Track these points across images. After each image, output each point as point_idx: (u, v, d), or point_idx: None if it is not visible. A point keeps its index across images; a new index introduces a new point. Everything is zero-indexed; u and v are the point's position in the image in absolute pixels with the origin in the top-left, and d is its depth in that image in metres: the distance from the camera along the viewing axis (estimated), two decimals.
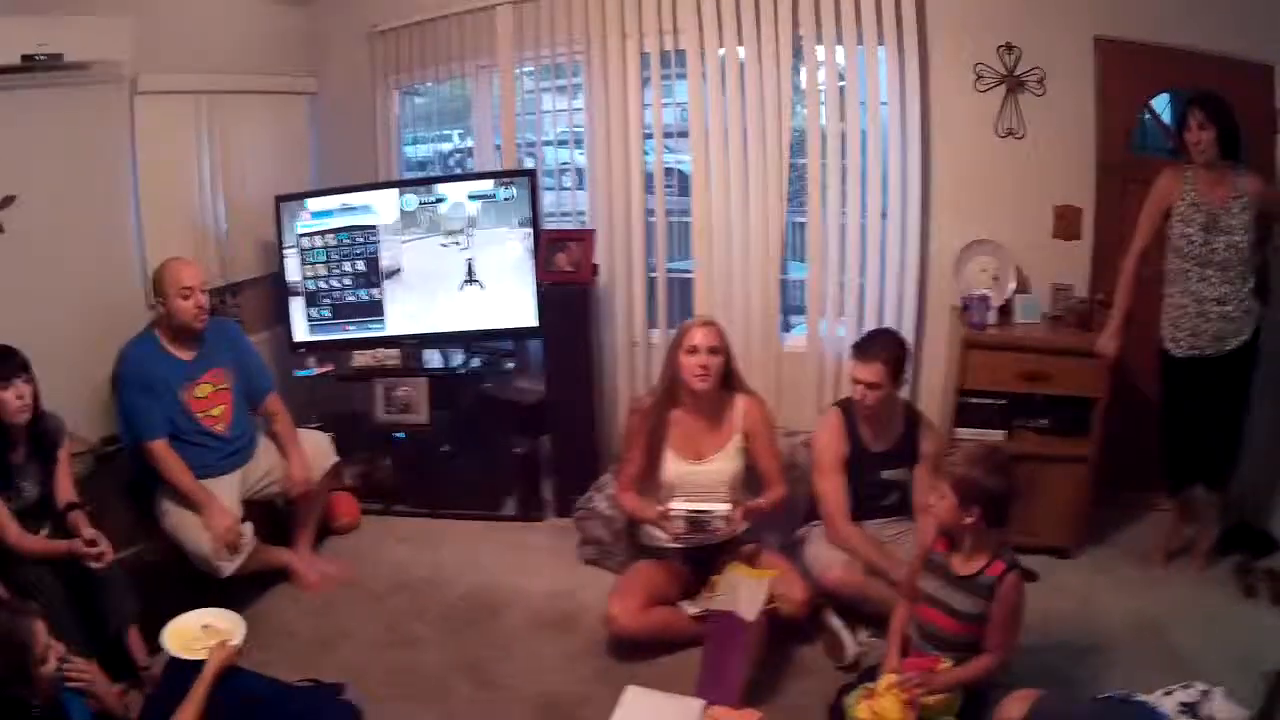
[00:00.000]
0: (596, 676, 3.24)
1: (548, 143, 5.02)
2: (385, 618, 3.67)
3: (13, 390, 2.86)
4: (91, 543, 2.89)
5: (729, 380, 3.47)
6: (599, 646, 3.38)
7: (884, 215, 4.40)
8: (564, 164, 5.13)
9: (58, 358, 3.33)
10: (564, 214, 5.03)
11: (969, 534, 2.66)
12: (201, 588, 3.32)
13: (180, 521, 3.39)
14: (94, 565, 2.88)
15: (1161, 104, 4.38)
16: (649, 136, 4.61)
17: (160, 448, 3.42)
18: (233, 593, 3.42)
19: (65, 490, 3.06)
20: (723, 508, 3.24)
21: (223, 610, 2.98)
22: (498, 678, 3.28)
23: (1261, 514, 4.16)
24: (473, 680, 3.26)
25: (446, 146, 6.01)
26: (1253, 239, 3.53)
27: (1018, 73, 4.27)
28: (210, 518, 3.37)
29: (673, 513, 3.25)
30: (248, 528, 3.52)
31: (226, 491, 3.55)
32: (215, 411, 3.65)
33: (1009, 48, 4.27)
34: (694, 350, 3.34)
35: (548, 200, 4.91)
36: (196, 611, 2.93)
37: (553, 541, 4.27)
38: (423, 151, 5.65)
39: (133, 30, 3.74)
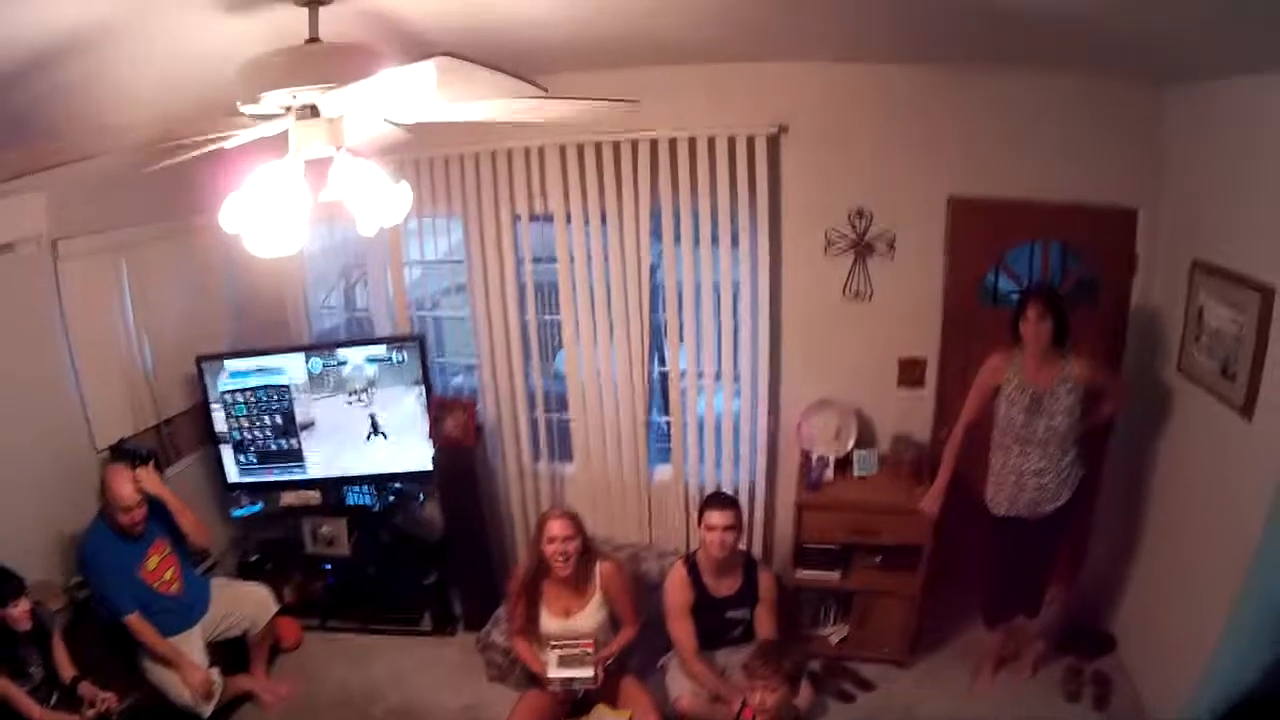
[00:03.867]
0: None
1: (446, 292, 5.40)
2: None
3: (18, 608, 3.51)
4: (101, 701, 3.64)
5: (587, 552, 4.06)
6: None
7: (736, 372, 4.76)
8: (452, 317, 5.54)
9: (14, 508, 3.92)
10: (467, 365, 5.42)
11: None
12: None
13: (161, 678, 4.06)
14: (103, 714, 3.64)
15: (1014, 256, 4.60)
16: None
17: (134, 621, 4.01)
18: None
19: (65, 666, 3.73)
20: (586, 673, 3.86)
21: None
22: None
23: (1102, 615, 4.62)
24: None
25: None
26: (1076, 417, 3.84)
27: (868, 237, 4.50)
28: (185, 674, 4.04)
29: (549, 678, 3.89)
30: (215, 673, 4.19)
31: (194, 645, 4.21)
32: (168, 576, 4.24)
33: (860, 213, 4.49)
34: (553, 540, 3.94)
35: (449, 345, 5.36)
36: None
37: (464, 657, 4.89)
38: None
39: (48, 203, 4.11)
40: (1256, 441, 3.25)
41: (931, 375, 4.67)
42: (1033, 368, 3.87)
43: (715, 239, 4.61)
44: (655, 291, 4.81)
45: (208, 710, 4.11)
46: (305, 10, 2.15)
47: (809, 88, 4.37)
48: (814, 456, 4.61)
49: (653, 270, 4.75)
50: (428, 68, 1.50)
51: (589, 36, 3.37)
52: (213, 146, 2.41)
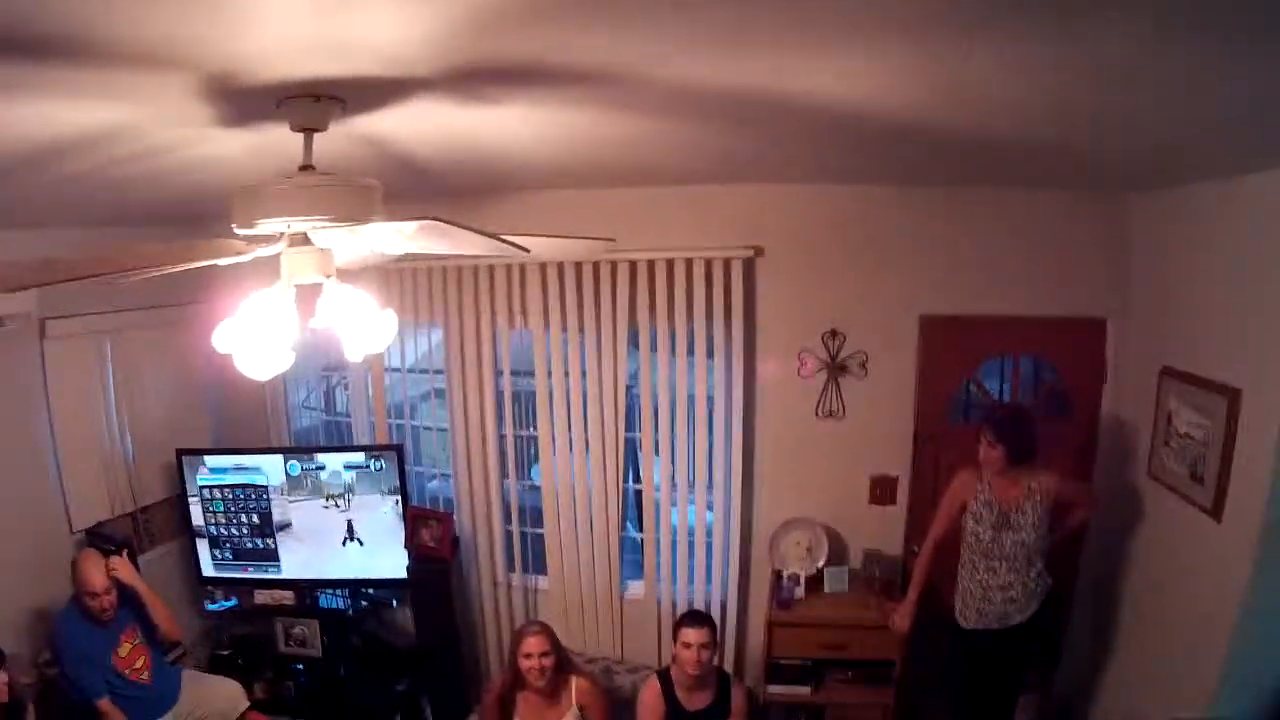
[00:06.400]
0: None
1: (424, 396, 5.49)
2: None
3: None
4: None
5: (562, 666, 4.07)
6: None
7: (710, 486, 4.82)
8: (429, 427, 5.62)
9: None
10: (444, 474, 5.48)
11: None
12: None
13: None
14: None
15: (987, 370, 4.70)
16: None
17: (105, 706, 3.99)
18: None
19: None
20: None
21: None
22: None
23: (1079, 712, 4.57)
24: None
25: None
26: (1044, 530, 3.88)
27: (841, 358, 4.61)
28: None
29: None
30: None
31: None
32: (139, 664, 4.23)
33: (834, 334, 4.61)
34: (529, 655, 3.97)
35: (425, 452, 5.43)
36: None
37: None
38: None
39: None
40: (1227, 541, 3.31)
41: (903, 492, 4.73)
42: (999, 485, 3.94)
43: (691, 350, 4.69)
44: (631, 407, 4.90)
45: None
46: (300, 136, 2.24)
47: (783, 209, 4.52)
48: (785, 574, 4.65)
49: (629, 386, 4.85)
50: (414, 228, 1.62)
51: (569, 160, 3.51)
52: (207, 263, 2.53)
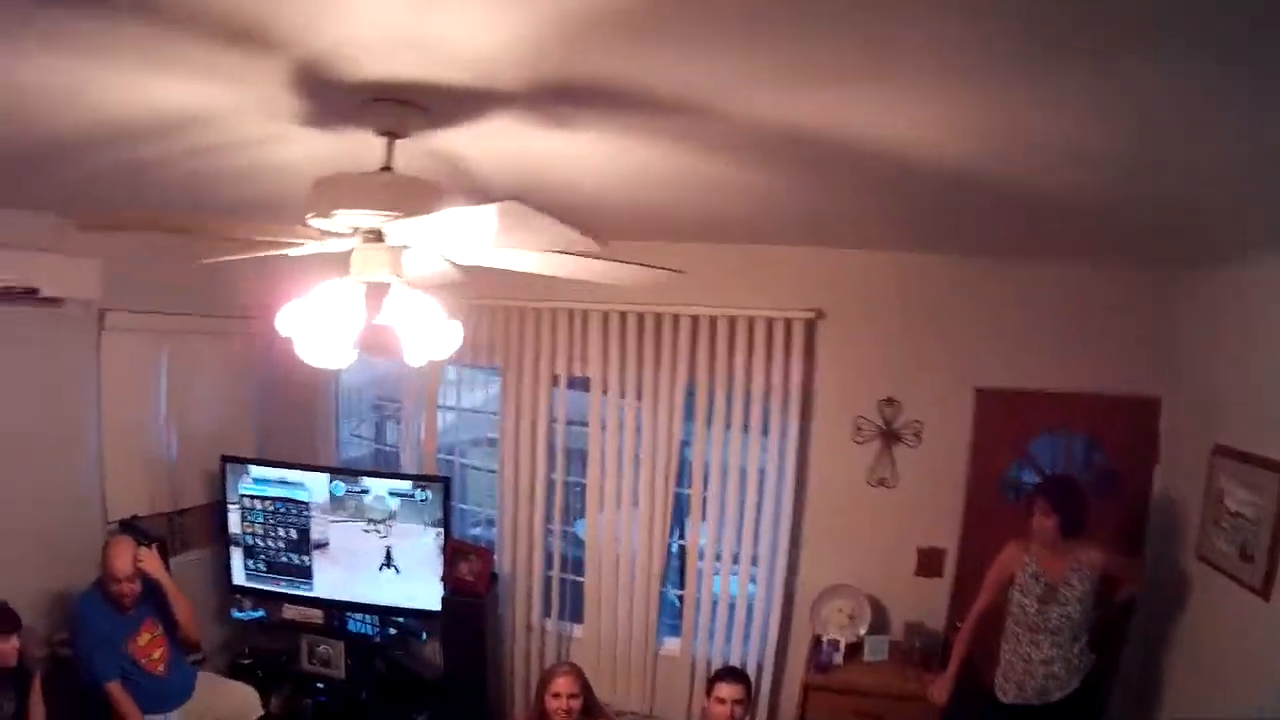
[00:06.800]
0: None
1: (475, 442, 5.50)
2: None
3: (8, 643, 3.50)
4: None
5: (589, 710, 3.99)
6: None
7: (755, 552, 4.78)
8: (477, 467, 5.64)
9: (15, 554, 3.96)
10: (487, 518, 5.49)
11: None
12: None
13: None
14: None
15: (1039, 447, 4.64)
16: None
17: (115, 689, 3.94)
18: None
19: (38, 712, 3.66)
20: None
21: None
22: None
23: None
24: None
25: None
26: (1090, 605, 3.82)
27: (895, 426, 4.61)
28: None
29: None
30: None
31: None
32: (155, 655, 4.19)
33: (890, 401, 4.61)
34: (558, 695, 3.89)
35: (470, 495, 5.43)
36: None
37: None
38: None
39: (103, 271, 4.22)
40: (1276, 619, 3.26)
41: (950, 565, 4.68)
42: (1047, 557, 3.90)
43: (746, 427, 4.72)
44: (683, 467, 4.90)
45: None
46: (383, 140, 2.26)
47: (845, 275, 4.58)
48: (825, 639, 4.58)
49: (683, 445, 4.86)
50: (494, 210, 1.60)
51: (638, 204, 3.52)
52: (278, 251, 2.55)
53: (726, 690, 3.93)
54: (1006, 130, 2.14)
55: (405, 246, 2.32)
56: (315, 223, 2.23)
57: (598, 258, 2.33)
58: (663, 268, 2.62)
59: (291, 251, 2.50)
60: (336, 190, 2.17)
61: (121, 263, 4.35)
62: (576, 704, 3.90)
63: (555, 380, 5.00)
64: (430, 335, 2.41)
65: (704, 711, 4.02)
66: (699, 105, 2.05)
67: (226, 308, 5.22)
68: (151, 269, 4.64)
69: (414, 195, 2.16)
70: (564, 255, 2.43)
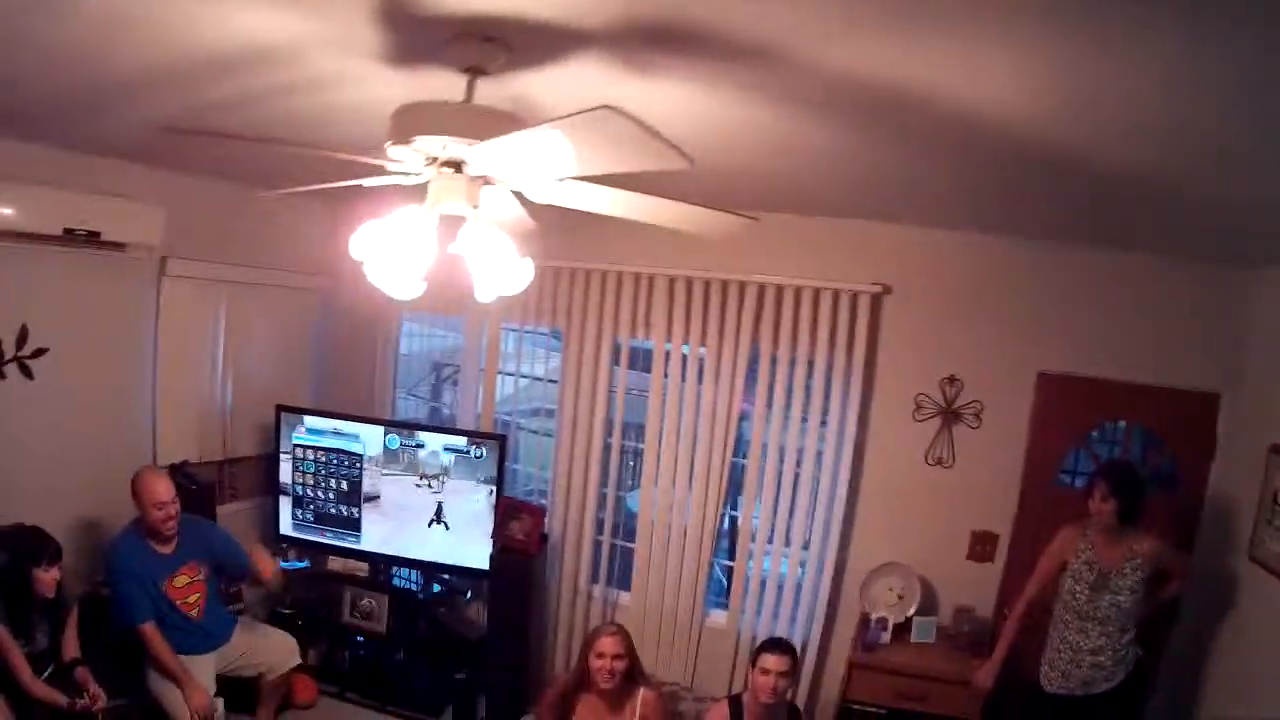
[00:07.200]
0: None
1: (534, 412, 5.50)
2: None
3: (49, 573, 3.55)
4: (92, 694, 3.58)
5: (632, 674, 3.94)
6: None
7: (808, 527, 4.75)
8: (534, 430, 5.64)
9: (62, 494, 4.01)
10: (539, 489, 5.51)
11: None
12: None
13: (163, 690, 3.95)
14: (88, 710, 3.55)
15: (1098, 437, 4.63)
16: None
17: (149, 630, 3.95)
18: None
19: (71, 647, 3.71)
20: None
21: None
22: None
23: None
24: None
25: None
26: (1140, 595, 3.77)
27: (956, 405, 4.58)
28: (189, 694, 3.91)
29: None
30: (219, 703, 4.06)
31: (204, 670, 4.10)
32: (192, 599, 4.19)
33: (952, 380, 4.59)
34: (602, 655, 3.83)
35: (523, 458, 5.44)
36: None
37: None
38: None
39: (166, 219, 4.30)
40: None
41: (1002, 551, 4.63)
42: (1101, 544, 3.86)
43: (808, 397, 4.73)
44: (740, 440, 4.88)
45: None
46: (464, 77, 2.22)
47: (914, 252, 4.58)
48: (873, 618, 4.54)
49: (741, 418, 4.84)
50: (587, 117, 1.56)
51: (710, 164, 3.42)
52: (354, 182, 2.53)
53: (772, 661, 3.86)
54: (1084, 93, 2.08)
55: (484, 179, 2.29)
56: (394, 151, 2.21)
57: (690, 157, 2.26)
58: (738, 213, 2.56)
59: (366, 181, 2.48)
60: (418, 115, 2.14)
61: (185, 211, 4.45)
62: (621, 665, 3.84)
63: (616, 348, 4.99)
64: (502, 270, 2.39)
65: (747, 681, 3.97)
66: (784, 54, 2.02)
67: (289, 262, 5.29)
68: (214, 219, 4.75)
69: (495, 123, 2.11)
70: (642, 197, 2.39)
